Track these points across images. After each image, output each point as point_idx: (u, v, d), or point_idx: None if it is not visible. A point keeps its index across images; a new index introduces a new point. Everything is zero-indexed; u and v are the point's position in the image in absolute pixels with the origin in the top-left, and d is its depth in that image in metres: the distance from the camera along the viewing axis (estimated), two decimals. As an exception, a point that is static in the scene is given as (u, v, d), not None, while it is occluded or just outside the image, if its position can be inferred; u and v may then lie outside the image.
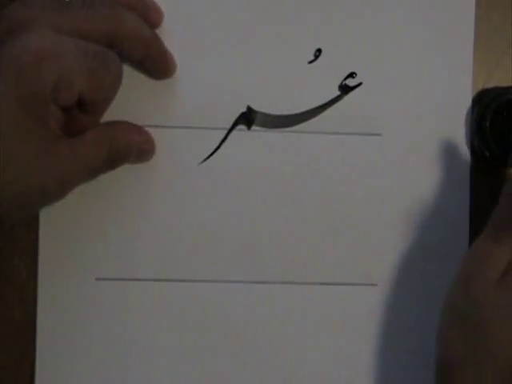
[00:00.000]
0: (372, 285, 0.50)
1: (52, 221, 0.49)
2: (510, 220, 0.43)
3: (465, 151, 0.51)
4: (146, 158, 0.49)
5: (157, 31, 0.48)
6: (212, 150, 0.50)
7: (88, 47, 0.42)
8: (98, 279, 0.49)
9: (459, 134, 0.51)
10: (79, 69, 0.41)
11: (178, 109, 0.49)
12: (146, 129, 0.49)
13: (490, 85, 0.51)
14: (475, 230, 0.51)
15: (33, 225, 0.49)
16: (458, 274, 0.44)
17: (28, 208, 0.44)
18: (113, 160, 0.46)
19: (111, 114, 0.47)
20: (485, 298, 0.42)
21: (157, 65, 0.48)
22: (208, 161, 0.50)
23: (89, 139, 0.44)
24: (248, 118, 0.49)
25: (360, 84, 0.50)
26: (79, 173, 0.44)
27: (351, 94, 0.50)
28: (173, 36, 0.49)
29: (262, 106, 0.50)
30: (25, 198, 0.42)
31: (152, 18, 0.47)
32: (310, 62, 0.50)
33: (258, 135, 0.50)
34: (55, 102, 0.41)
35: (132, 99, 0.49)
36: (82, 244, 0.49)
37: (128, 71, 0.48)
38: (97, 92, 0.43)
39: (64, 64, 0.40)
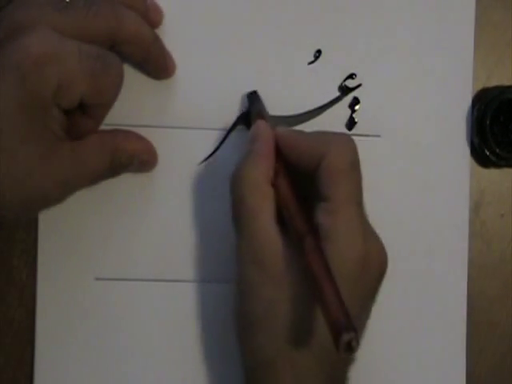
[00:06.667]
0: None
1: (51, 221, 0.49)
2: None
3: (465, 150, 0.51)
4: (147, 168, 0.49)
5: (157, 31, 0.48)
6: (212, 151, 0.49)
7: (89, 50, 0.42)
8: (97, 279, 0.49)
9: (459, 133, 0.51)
10: (81, 72, 0.41)
11: (178, 109, 0.49)
12: (146, 129, 0.49)
13: (490, 84, 0.51)
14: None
15: (32, 225, 0.49)
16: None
17: (28, 210, 0.45)
18: (115, 168, 0.46)
19: (111, 113, 0.47)
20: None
21: (157, 65, 0.48)
22: (208, 161, 0.49)
23: (91, 144, 0.44)
24: (248, 118, 0.49)
25: (360, 85, 0.50)
26: (80, 177, 0.44)
27: (351, 95, 0.50)
28: (173, 36, 0.49)
29: (261, 107, 0.50)
30: (25, 201, 0.42)
31: (152, 18, 0.47)
32: (310, 62, 0.50)
33: (257, 136, 0.50)
34: (57, 105, 0.41)
35: (132, 99, 0.49)
36: (82, 244, 0.49)
37: (128, 71, 0.48)
38: (98, 95, 0.43)
39: (65, 67, 0.40)
